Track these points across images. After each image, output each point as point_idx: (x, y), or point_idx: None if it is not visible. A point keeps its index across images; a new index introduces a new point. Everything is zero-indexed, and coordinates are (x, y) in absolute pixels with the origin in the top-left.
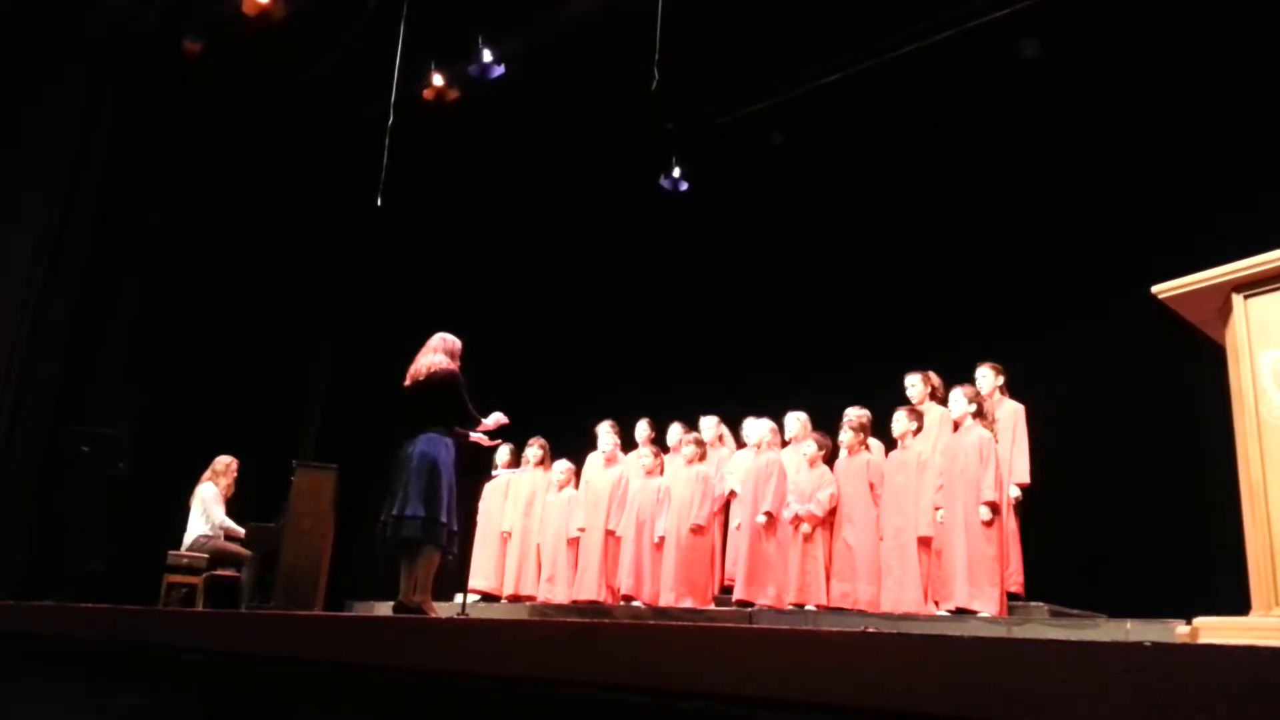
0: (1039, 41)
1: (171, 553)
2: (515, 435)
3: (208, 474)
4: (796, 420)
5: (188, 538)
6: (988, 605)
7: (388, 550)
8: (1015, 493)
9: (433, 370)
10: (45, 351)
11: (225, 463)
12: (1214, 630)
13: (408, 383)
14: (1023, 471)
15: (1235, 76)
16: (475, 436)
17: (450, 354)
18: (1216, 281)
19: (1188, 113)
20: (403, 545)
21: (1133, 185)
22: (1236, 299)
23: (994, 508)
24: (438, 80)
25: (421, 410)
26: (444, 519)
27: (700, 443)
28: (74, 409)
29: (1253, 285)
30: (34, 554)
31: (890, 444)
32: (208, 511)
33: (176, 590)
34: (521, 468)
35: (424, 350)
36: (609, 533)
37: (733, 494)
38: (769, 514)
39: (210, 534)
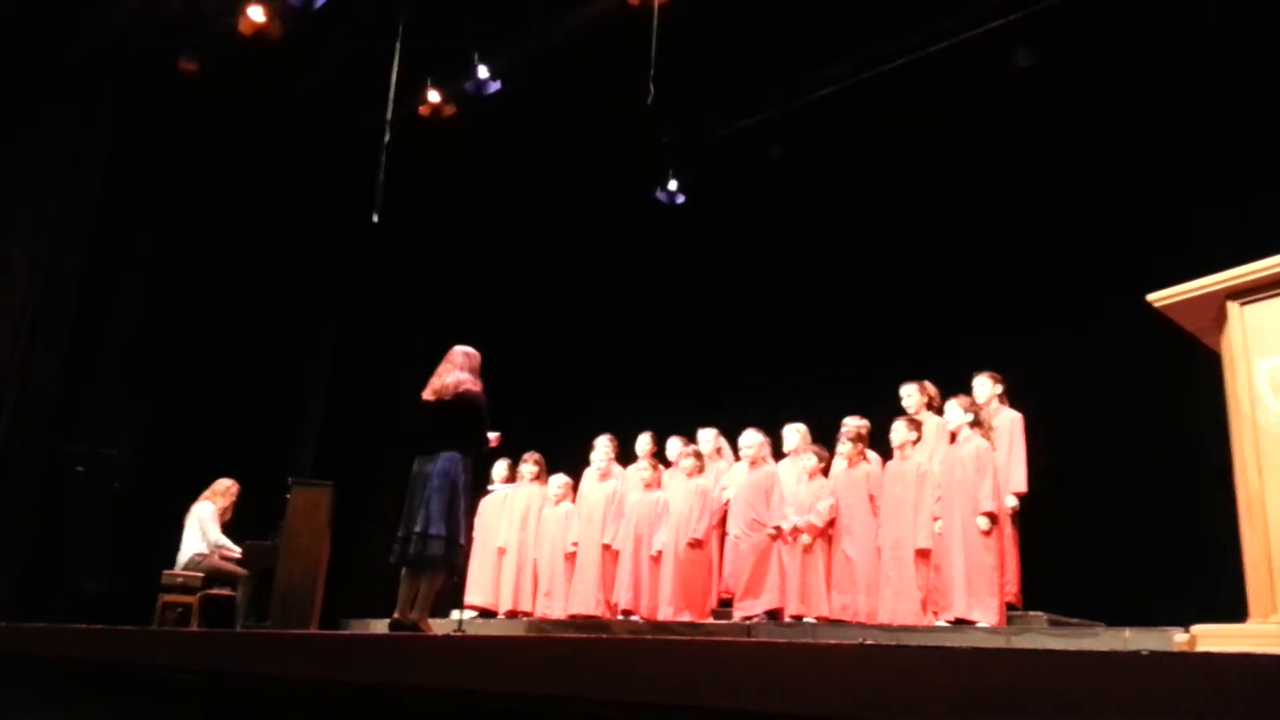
0: (1034, 50)
1: (166, 572)
2: (512, 450)
3: (207, 494)
4: (796, 432)
5: (183, 556)
6: (987, 615)
7: (405, 566)
8: (1012, 502)
9: (461, 390)
10: (41, 369)
11: (226, 485)
12: (1212, 638)
13: (430, 397)
14: (1019, 480)
15: (1231, 83)
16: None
17: (474, 370)
18: (1212, 289)
19: (1184, 119)
20: (422, 563)
21: (1129, 193)
22: (1232, 306)
23: (992, 518)
24: (434, 96)
25: (444, 428)
26: (462, 540)
27: (699, 455)
28: (70, 427)
29: (1248, 292)
30: (29, 574)
31: (887, 455)
32: (204, 529)
33: (172, 610)
34: (517, 483)
35: (446, 365)
36: (605, 547)
37: (728, 503)
38: (779, 528)
39: (205, 552)
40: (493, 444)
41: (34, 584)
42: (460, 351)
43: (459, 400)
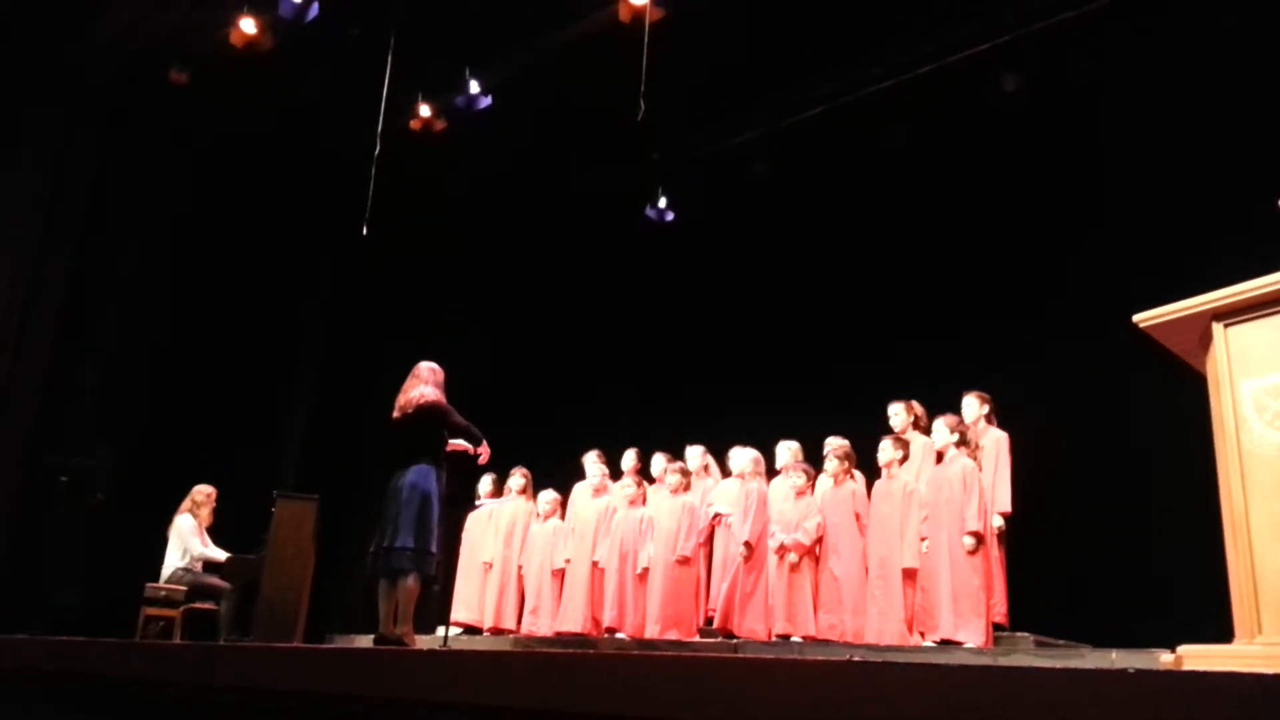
0: (1018, 75)
1: (149, 585)
2: (499, 465)
3: (186, 504)
4: (787, 450)
5: (165, 571)
6: (973, 636)
7: (378, 580)
8: (998, 522)
9: (421, 404)
10: (23, 380)
11: (205, 493)
12: (1198, 658)
13: (396, 414)
14: (1004, 500)
15: (1214, 107)
16: (475, 450)
17: (437, 384)
18: (1197, 310)
19: (1167, 144)
20: (392, 576)
21: (1115, 215)
22: (1217, 328)
23: (978, 537)
24: (425, 111)
25: (411, 442)
26: (433, 549)
27: (685, 472)
28: (52, 438)
29: (1233, 314)
30: (8, 586)
31: (874, 475)
32: (185, 544)
33: (154, 624)
34: (504, 497)
35: (409, 381)
36: (594, 564)
37: (717, 517)
38: (749, 544)
39: (187, 567)
40: (482, 460)
41: (12, 597)
42: (425, 367)
43: (419, 412)
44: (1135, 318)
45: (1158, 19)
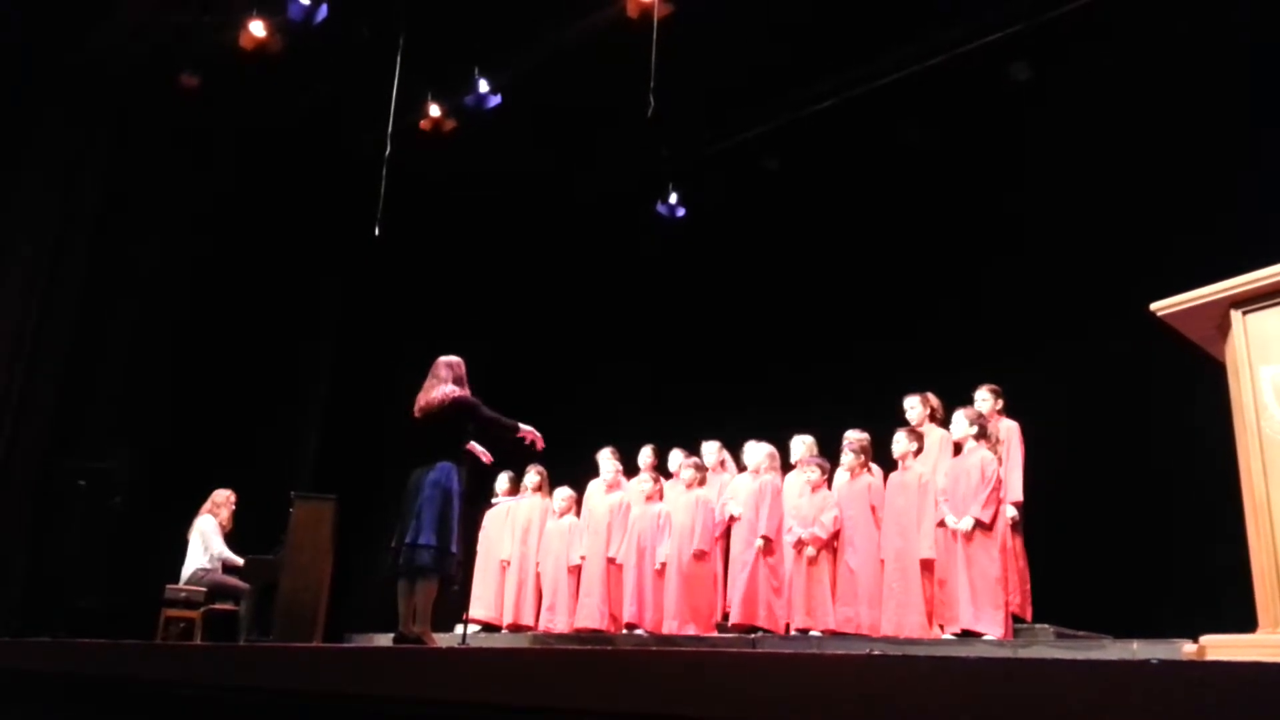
0: (1029, 64)
1: (169, 587)
2: (515, 462)
3: (207, 506)
4: (802, 443)
5: (186, 571)
6: (992, 627)
7: (397, 578)
8: (1011, 512)
9: (445, 400)
10: (40, 383)
11: (225, 496)
12: (1220, 648)
13: (417, 414)
14: (1016, 489)
15: (1227, 89)
16: (483, 454)
17: (458, 379)
18: (1215, 298)
19: (1183, 130)
20: (413, 574)
21: (1129, 202)
22: (1235, 315)
23: (980, 524)
24: (434, 111)
25: (434, 440)
26: (454, 549)
27: (700, 467)
28: (70, 441)
29: (1251, 301)
30: (30, 589)
31: (890, 467)
32: (207, 543)
33: (174, 625)
34: (520, 495)
35: (430, 379)
36: (610, 560)
37: (734, 518)
38: (766, 538)
39: (208, 567)
40: (538, 446)
41: (34, 600)
42: (443, 363)
43: (447, 409)
44: (1153, 306)
45: (1167, 5)
